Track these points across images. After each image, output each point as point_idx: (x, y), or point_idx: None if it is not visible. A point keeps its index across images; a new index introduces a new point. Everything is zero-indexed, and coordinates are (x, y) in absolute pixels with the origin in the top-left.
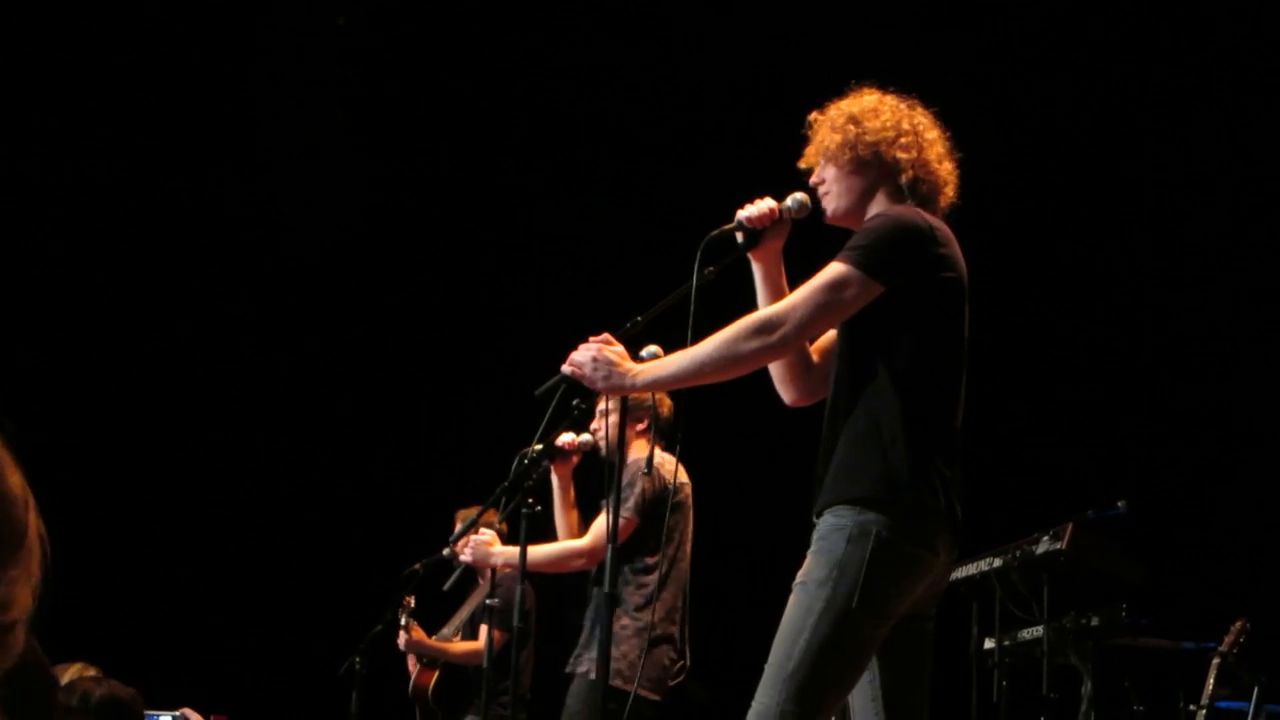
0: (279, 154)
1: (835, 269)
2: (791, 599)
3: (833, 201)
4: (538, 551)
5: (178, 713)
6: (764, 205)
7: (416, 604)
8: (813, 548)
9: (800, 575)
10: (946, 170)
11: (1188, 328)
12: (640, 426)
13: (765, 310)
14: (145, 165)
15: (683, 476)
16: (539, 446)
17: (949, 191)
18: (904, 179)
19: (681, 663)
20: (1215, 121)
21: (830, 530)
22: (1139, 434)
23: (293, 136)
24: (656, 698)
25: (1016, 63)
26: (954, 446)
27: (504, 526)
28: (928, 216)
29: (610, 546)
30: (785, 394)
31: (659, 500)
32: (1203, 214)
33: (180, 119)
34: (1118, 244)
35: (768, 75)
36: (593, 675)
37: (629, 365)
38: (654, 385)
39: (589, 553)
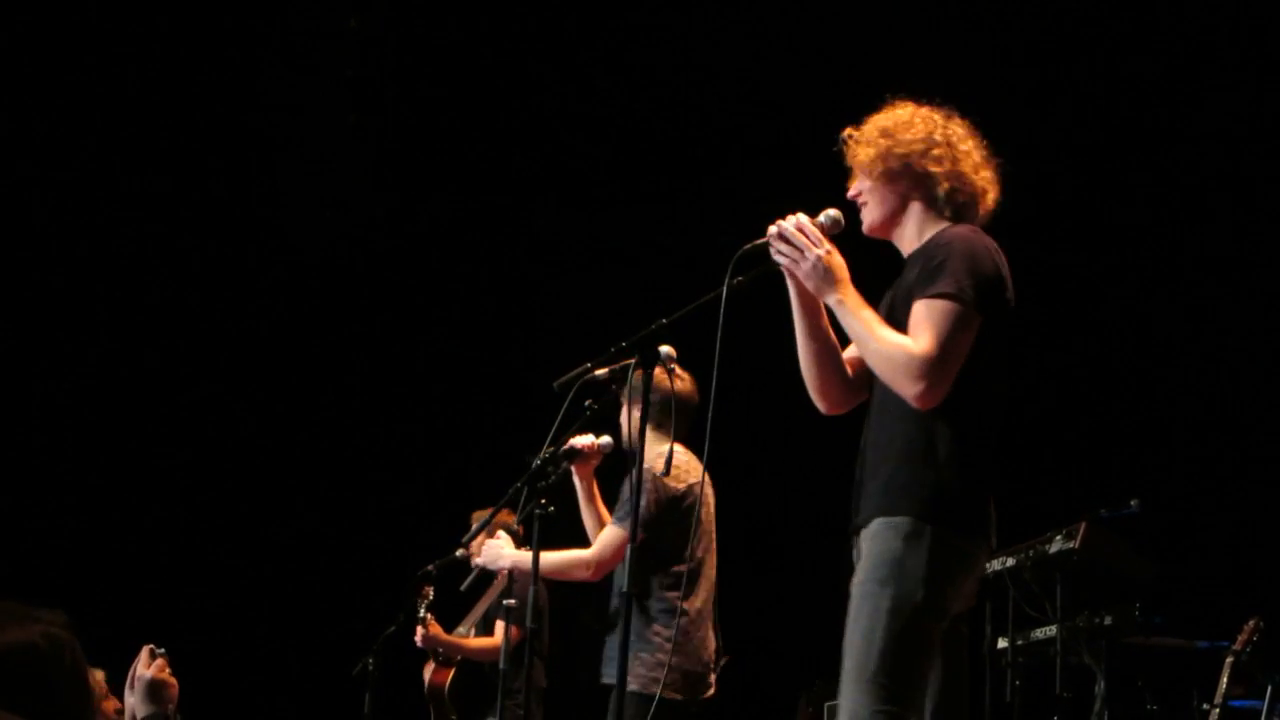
0: (289, 157)
1: (953, 309)
2: (855, 602)
3: (868, 214)
4: (545, 558)
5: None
6: (796, 221)
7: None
8: (866, 549)
9: (858, 577)
10: (984, 179)
11: (1201, 325)
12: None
13: (925, 353)
14: (151, 168)
15: (695, 476)
16: (551, 449)
17: (989, 200)
18: (939, 190)
19: (716, 666)
20: (1224, 120)
21: (884, 529)
22: (1152, 432)
23: (303, 139)
24: (682, 698)
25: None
26: (994, 458)
27: (520, 529)
28: (985, 237)
29: (630, 545)
30: (822, 402)
31: (669, 509)
32: (1214, 215)
33: (188, 121)
34: (1131, 243)
35: (799, 86)
36: (632, 686)
37: (844, 283)
38: (841, 315)
39: (594, 564)
